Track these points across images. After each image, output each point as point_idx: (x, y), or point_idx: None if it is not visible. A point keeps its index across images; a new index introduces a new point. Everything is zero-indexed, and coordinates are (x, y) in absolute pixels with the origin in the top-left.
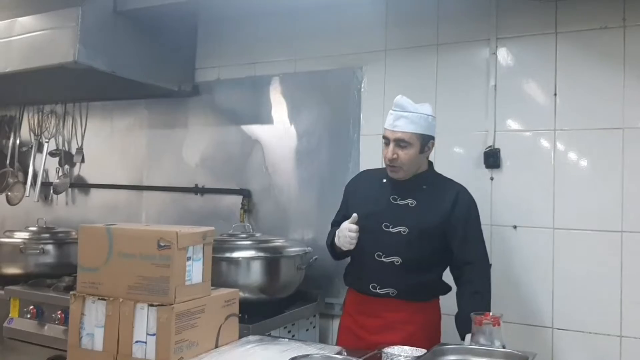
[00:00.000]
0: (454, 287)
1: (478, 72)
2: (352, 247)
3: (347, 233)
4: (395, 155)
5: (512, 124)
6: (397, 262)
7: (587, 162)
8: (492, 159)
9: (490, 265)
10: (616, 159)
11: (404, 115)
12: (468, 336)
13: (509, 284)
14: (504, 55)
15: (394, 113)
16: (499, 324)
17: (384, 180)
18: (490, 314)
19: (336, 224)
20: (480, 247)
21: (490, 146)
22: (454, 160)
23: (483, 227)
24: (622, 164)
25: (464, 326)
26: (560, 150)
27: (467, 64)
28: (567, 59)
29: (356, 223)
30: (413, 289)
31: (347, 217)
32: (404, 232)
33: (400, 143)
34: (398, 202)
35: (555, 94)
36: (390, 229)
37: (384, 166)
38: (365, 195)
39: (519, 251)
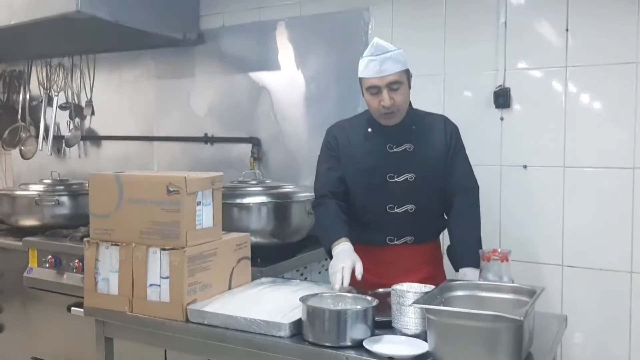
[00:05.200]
0: None
1: (488, 10)
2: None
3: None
4: (392, 101)
5: (523, 63)
6: (412, 209)
7: (600, 98)
8: (502, 98)
9: (479, 187)
10: (629, 94)
11: (387, 57)
12: (462, 270)
13: (519, 223)
14: None
15: (377, 58)
16: (507, 260)
17: (370, 130)
18: (499, 250)
19: (323, 196)
20: (467, 173)
21: (500, 85)
22: (463, 101)
23: (493, 167)
24: (635, 100)
25: (458, 259)
26: (572, 87)
27: (477, 1)
28: None
29: (359, 180)
30: (429, 232)
31: (341, 182)
32: (411, 179)
33: (393, 86)
34: (395, 149)
35: (567, 30)
36: (396, 179)
37: (362, 115)
38: (358, 150)
39: (529, 190)
